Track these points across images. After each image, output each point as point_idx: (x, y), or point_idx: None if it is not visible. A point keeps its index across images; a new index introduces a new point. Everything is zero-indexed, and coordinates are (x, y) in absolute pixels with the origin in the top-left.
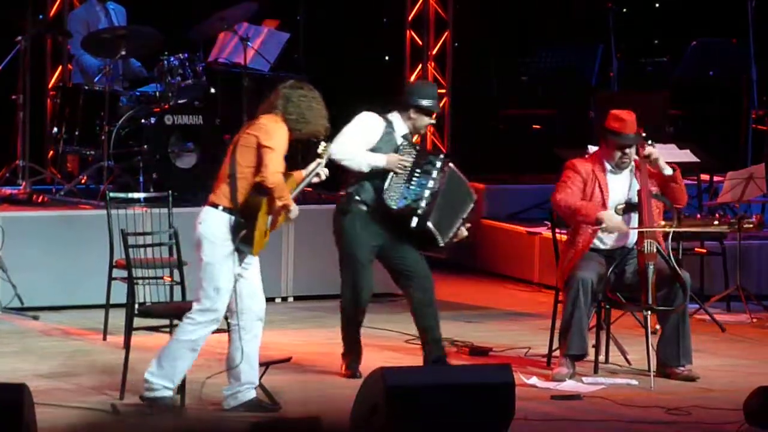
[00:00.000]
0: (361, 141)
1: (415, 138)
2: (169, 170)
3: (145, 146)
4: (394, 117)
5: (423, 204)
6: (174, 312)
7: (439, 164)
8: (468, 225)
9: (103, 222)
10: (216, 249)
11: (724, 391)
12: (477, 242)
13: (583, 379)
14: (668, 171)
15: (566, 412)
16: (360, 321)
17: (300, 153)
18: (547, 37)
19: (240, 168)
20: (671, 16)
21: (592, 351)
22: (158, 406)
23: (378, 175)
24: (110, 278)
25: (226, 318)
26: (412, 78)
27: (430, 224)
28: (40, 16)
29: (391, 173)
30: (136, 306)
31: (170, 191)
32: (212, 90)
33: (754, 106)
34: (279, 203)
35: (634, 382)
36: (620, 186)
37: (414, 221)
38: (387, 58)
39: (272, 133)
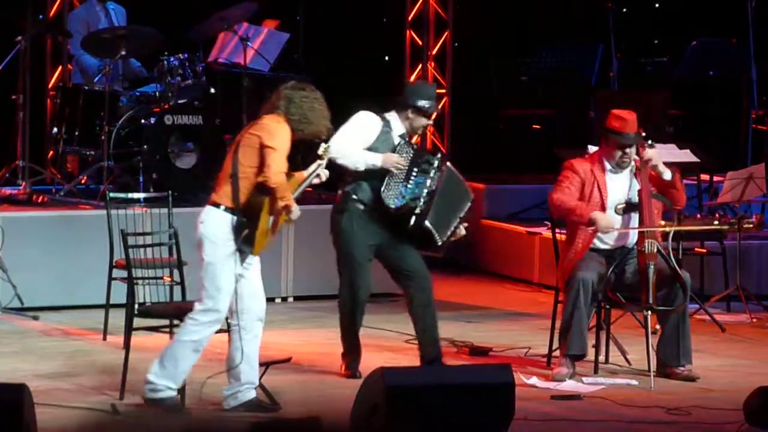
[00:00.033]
0: (358, 140)
1: (415, 138)
2: (169, 170)
3: (145, 146)
4: (392, 116)
5: (421, 203)
6: (174, 312)
7: (436, 163)
8: (465, 224)
9: (103, 222)
10: (217, 249)
11: (724, 391)
12: (476, 242)
13: (583, 379)
14: (667, 175)
15: (566, 412)
16: (359, 321)
17: (300, 153)
18: (547, 37)
19: (242, 168)
20: (671, 16)
21: (592, 351)
22: (162, 406)
23: (375, 174)
24: (110, 278)
25: (226, 318)
26: (412, 78)
27: (427, 223)
28: (40, 16)
29: (389, 173)
30: (136, 306)
31: (170, 191)
32: (212, 90)
33: (754, 106)
34: (281, 203)
35: (634, 382)
36: (620, 186)
37: (412, 220)
38: (387, 58)
39: (275, 133)
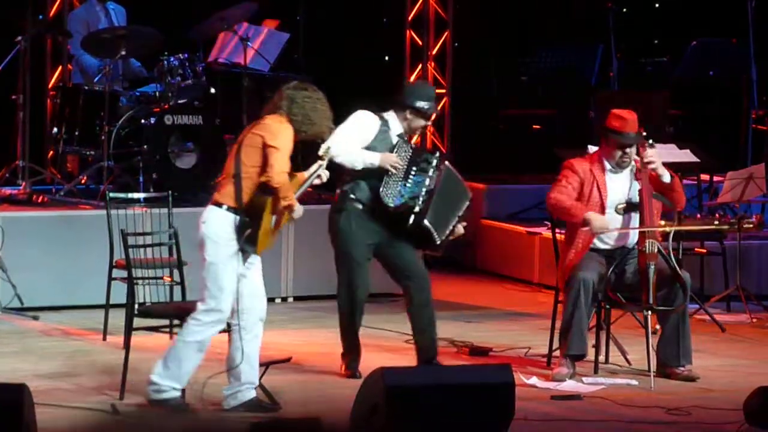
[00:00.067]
0: (356, 139)
1: (415, 139)
2: (169, 170)
3: (145, 146)
4: (390, 116)
5: (419, 202)
6: (174, 312)
7: (435, 162)
8: (464, 223)
9: (103, 222)
10: (220, 248)
11: (724, 391)
12: (476, 242)
13: (583, 379)
14: (667, 178)
15: (566, 412)
16: (358, 321)
17: (300, 154)
18: (547, 37)
19: (245, 168)
20: (671, 16)
21: (592, 351)
22: (167, 407)
23: (373, 173)
24: (110, 278)
25: None
26: (412, 78)
27: (426, 222)
28: (40, 16)
29: (387, 172)
30: (136, 306)
31: (170, 191)
32: (212, 90)
33: (754, 106)
34: (284, 203)
35: (634, 382)
36: (620, 186)
37: (411, 219)
38: (387, 58)
39: (278, 133)
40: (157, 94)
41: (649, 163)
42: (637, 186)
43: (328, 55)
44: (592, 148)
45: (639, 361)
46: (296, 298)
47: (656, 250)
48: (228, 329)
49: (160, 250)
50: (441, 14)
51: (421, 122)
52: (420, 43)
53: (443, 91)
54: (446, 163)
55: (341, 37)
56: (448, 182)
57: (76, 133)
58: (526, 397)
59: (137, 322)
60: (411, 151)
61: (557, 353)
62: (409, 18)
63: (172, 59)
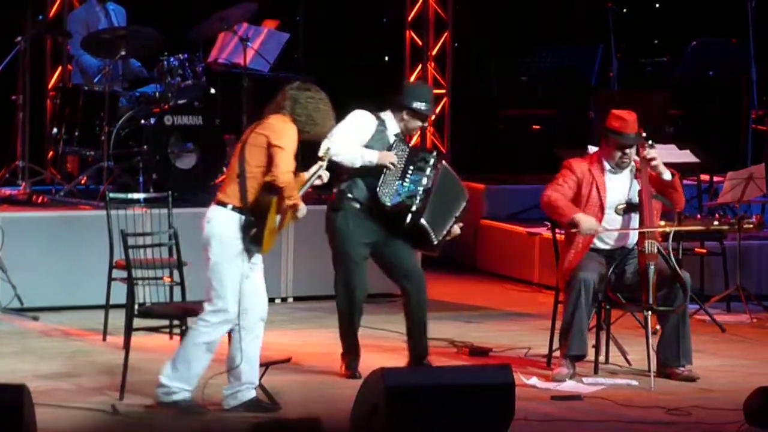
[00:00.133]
0: (354, 138)
1: (415, 139)
2: (169, 171)
3: (145, 147)
4: (387, 116)
5: (417, 201)
6: (174, 312)
7: (432, 161)
8: (460, 224)
9: (103, 222)
10: (225, 248)
11: (724, 391)
12: (476, 242)
13: (584, 379)
14: (667, 176)
15: (566, 412)
16: (357, 321)
17: (300, 154)
18: (547, 37)
19: (249, 167)
20: (671, 16)
21: (592, 351)
22: (177, 409)
23: (371, 172)
24: (110, 279)
25: None
26: (412, 78)
27: (423, 221)
28: (40, 17)
29: (385, 170)
30: (136, 306)
31: (170, 192)
32: (212, 90)
33: (754, 106)
34: (288, 202)
35: (635, 382)
36: (620, 186)
37: (408, 218)
38: (387, 58)
39: (282, 132)
40: (157, 94)
41: (651, 159)
42: (636, 186)
43: (328, 56)
44: (592, 149)
45: (639, 361)
46: (296, 299)
47: (656, 250)
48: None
49: (160, 251)
50: (441, 14)
51: (418, 123)
52: (420, 43)
53: (443, 91)
54: (443, 162)
55: (341, 37)
56: (445, 181)
57: (76, 134)
58: (526, 398)
59: (137, 322)
60: (408, 150)
61: (557, 353)
62: (409, 18)
63: (171, 59)
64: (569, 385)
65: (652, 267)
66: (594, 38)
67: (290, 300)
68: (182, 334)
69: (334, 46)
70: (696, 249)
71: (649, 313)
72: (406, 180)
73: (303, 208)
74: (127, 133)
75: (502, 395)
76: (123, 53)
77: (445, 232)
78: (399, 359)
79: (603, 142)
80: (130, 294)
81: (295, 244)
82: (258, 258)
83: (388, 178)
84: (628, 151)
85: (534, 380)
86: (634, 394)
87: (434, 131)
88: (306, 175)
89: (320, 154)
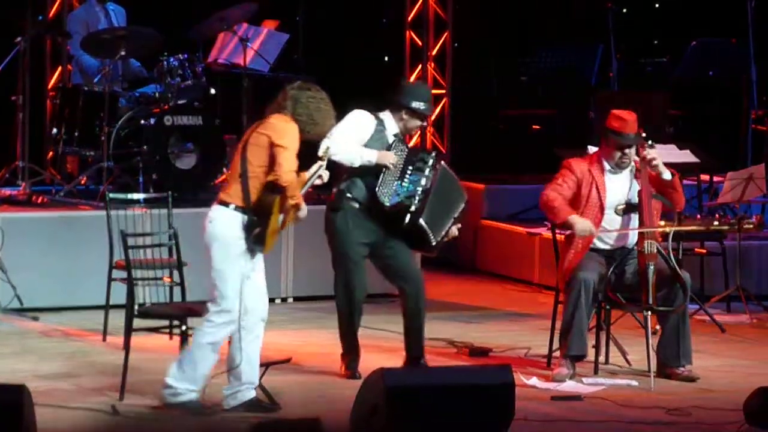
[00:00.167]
0: (354, 137)
1: (415, 139)
2: (169, 171)
3: (145, 147)
4: (386, 116)
5: (416, 201)
6: (174, 313)
7: (431, 162)
8: (459, 225)
9: (103, 223)
10: (228, 248)
11: (724, 391)
12: (476, 242)
13: (584, 379)
14: (667, 176)
15: (566, 412)
16: (357, 321)
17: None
18: (547, 37)
19: (251, 167)
20: (671, 16)
21: (592, 352)
22: (185, 410)
23: (370, 172)
24: (110, 279)
25: None
26: (412, 78)
27: (422, 221)
28: (40, 17)
29: (384, 170)
30: (136, 307)
31: (170, 192)
32: (212, 91)
33: (754, 106)
34: (291, 202)
35: (635, 382)
36: (619, 186)
37: (407, 218)
38: (387, 58)
39: (284, 132)
40: (157, 94)
41: (652, 159)
42: (636, 187)
43: (328, 56)
44: (592, 149)
45: (639, 361)
46: (296, 299)
47: (655, 250)
48: None
49: (160, 251)
50: (441, 14)
51: (417, 123)
52: (420, 43)
53: (443, 91)
54: (442, 162)
55: (341, 37)
56: (444, 182)
57: (76, 134)
58: (527, 398)
59: (137, 322)
60: (407, 150)
61: (557, 354)
62: (409, 18)
63: (171, 60)
64: (569, 386)
65: (652, 267)
66: (594, 38)
67: (290, 300)
68: (182, 335)
69: (334, 46)
70: (696, 249)
71: (649, 313)
72: (405, 180)
73: (305, 208)
74: (127, 133)
75: (502, 395)
76: (123, 53)
77: (443, 233)
78: (399, 359)
79: (603, 142)
80: (130, 294)
81: (295, 244)
82: (259, 258)
83: (387, 178)
84: (627, 151)
85: (534, 380)
86: (634, 395)
87: (434, 131)
88: (307, 174)
89: (320, 153)
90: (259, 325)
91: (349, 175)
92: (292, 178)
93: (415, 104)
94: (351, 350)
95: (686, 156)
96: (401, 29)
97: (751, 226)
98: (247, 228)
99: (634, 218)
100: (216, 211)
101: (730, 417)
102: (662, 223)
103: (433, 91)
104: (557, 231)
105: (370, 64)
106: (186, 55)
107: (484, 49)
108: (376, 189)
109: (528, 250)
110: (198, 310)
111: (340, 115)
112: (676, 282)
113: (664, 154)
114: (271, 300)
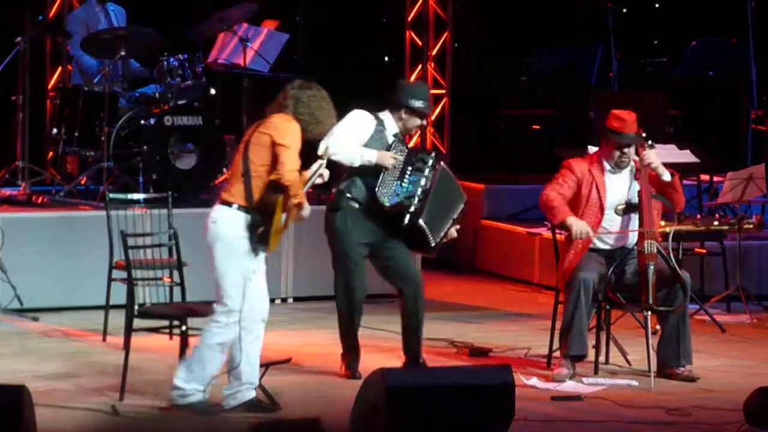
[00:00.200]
0: (353, 137)
1: (414, 140)
2: (169, 171)
3: (145, 147)
4: (386, 116)
5: (415, 201)
6: (174, 313)
7: (430, 162)
8: (458, 226)
9: (103, 223)
10: (232, 248)
11: (724, 391)
12: (476, 242)
13: (584, 379)
14: (667, 177)
15: (566, 412)
16: (357, 321)
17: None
18: (547, 37)
19: (254, 167)
20: (671, 16)
21: (592, 352)
22: (193, 410)
23: (369, 172)
24: (110, 279)
25: None
26: (412, 78)
27: (421, 222)
28: (40, 17)
29: (383, 170)
30: (136, 307)
31: (170, 192)
32: (212, 91)
33: (754, 106)
34: (294, 201)
35: (635, 382)
36: (619, 186)
37: (406, 219)
38: (387, 58)
39: (286, 131)
40: (157, 94)
41: (650, 163)
42: (636, 187)
43: (328, 56)
44: (592, 149)
45: (639, 361)
46: (296, 299)
47: (655, 250)
48: None
49: (160, 251)
50: (441, 14)
51: (417, 122)
52: (420, 43)
53: (443, 91)
54: (442, 163)
55: (341, 37)
56: (443, 183)
57: (76, 134)
58: (527, 398)
59: (137, 323)
60: (407, 150)
61: (557, 354)
62: (409, 18)
63: (171, 60)
64: (569, 386)
65: (652, 267)
66: (594, 38)
67: (290, 300)
68: (182, 335)
69: (334, 46)
70: (696, 249)
71: (649, 313)
72: (405, 180)
73: (308, 207)
74: (127, 133)
75: (502, 395)
76: (123, 53)
77: (442, 234)
78: (399, 359)
79: (603, 142)
80: (130, 294)
81: (295, 244)
82: (261, 259)
83: (387, 178)
84: (626, 150)
85: (534, 380)
86: (634, 395)
87: (434, 131)
88: (307, 173)
89: (319, 152)
90: (260, 325)
91: (349, 175)
92: (295, 177)
93: (414, 103)
94: (351, 350)
95: (686, 156)
96: (401, 29)
97: (751, 226)
98: (251, 227)
99: (634, 218)
100: (219, 211)
101: (730, 417)
102: (662, 223)
103: (433, 91)
104: (557, 231)
105: (370, 64)
106: (186, 56)
107: (484, 49)
108: (376, 189)
109: (528, 250)
110: (198, 310)
111: (340, 115)
112: (676, 282)
113: (664, 154)
114: (271, 300)
